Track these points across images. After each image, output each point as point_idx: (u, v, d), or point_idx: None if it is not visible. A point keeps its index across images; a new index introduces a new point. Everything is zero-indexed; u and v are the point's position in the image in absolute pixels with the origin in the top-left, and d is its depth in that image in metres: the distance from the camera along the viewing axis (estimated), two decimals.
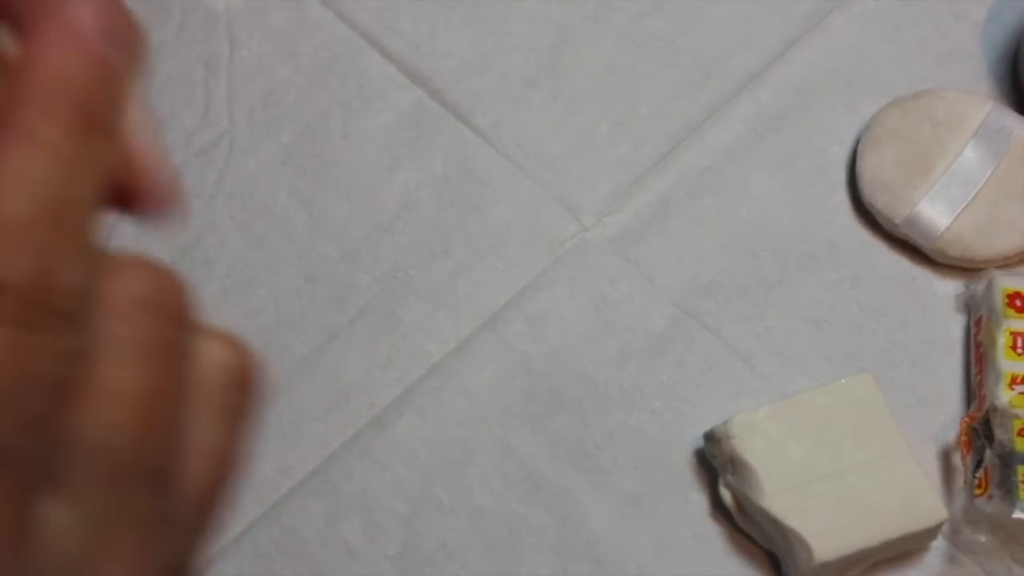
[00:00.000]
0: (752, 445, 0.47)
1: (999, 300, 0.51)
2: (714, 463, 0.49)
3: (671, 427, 0.51)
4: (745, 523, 0.48)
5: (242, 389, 0.23)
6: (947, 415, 0.51)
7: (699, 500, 0.50)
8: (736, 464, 0.47)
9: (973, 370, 0.52)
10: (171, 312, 0.22)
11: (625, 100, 0.59)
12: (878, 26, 0.61)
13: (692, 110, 0.59)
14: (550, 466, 0.50)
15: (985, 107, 0.56)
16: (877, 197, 0.55)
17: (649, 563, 0.48)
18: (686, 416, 0.51)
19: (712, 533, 0.49)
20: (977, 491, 0.47)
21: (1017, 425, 0.47)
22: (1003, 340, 0.50)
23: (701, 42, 0.61)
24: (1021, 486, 0.46)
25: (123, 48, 0.21)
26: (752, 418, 0.47)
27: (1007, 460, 0.47)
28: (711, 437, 0.48)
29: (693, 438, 0.50)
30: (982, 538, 0.47)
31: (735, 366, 0.52)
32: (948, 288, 0.54)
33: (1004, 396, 0.49)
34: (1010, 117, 0.56)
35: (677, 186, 0.57)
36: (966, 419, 0.49)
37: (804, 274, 0.55)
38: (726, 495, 0.48)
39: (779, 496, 0.46)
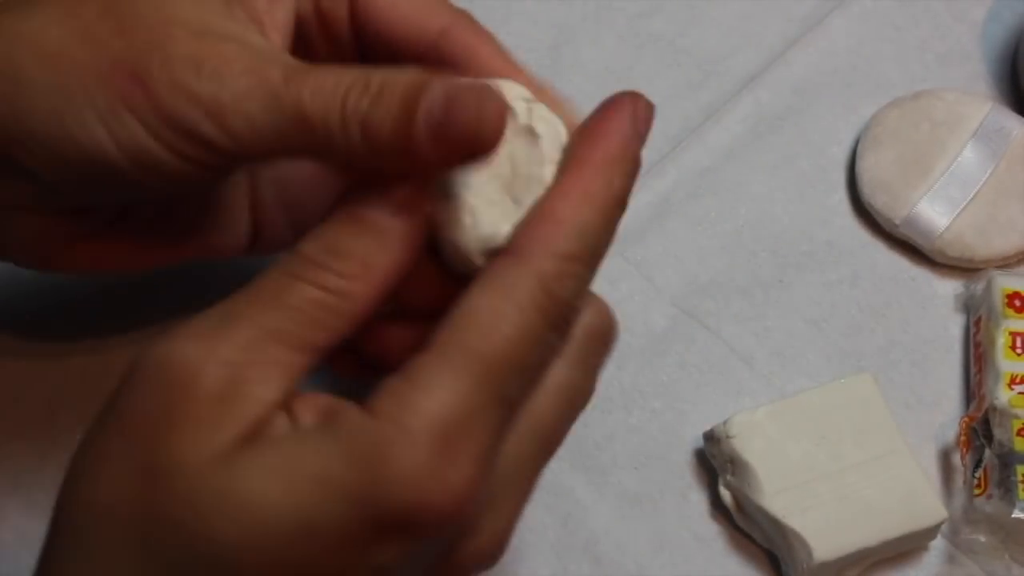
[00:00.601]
0: (752, 445, 0.47)
1: (998, 300, 0.51)
2: (714, 463, 0.49)
3: (671, 427, 0.51)
4: (745, 523, 0.48)
5: (604, 342, 0.33)
6: (946, 415, 0.52)
7: (699, 500, 0.50)
8: (736, 464, 0.47)
9: (972, 370, 0.52)
10: (608, 338, 0.33)
11: None
12: (877, 26, 0.61)
13: (692, 110, 0.59)
14: (550, 466, 0.50)
15: (984, 107, 0.56)
16: (876, 197, 0.55)
17: (649, 563, 0.48)
18: (686, 416, 0.51)
19: (712, 533, 0.49)
20: (976, 491, 0.47)
21: (1016, 425, 0.48)
22: (1002, 340, 0.50)
23: (701, 42, 0.61)
24: (1020, 486, 0.46)
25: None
26: (752, 418, 0.47)
27: (1006, 460, 0.47)
28: (711, 437, 0.48)
29: (693, 438, 0.50)
30: (981, 538, 0.47)
31: (735, 366, 0.52)
32: (947, 288, 0.54)
33: (1003, 396, 0.49)
34: (1009, 117, 0.56)
35: (677, 186, 0.57)
36: (965, 419, 0.49)
37: (803, 274, 0.55)
38: (726, 495, 0.48)
39: (779, 496, 0.46)
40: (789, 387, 0.52)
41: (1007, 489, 0.46)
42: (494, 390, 0.28)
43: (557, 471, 0.50)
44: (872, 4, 0.62)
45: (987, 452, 0.47)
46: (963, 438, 0.49)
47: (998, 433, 0.48)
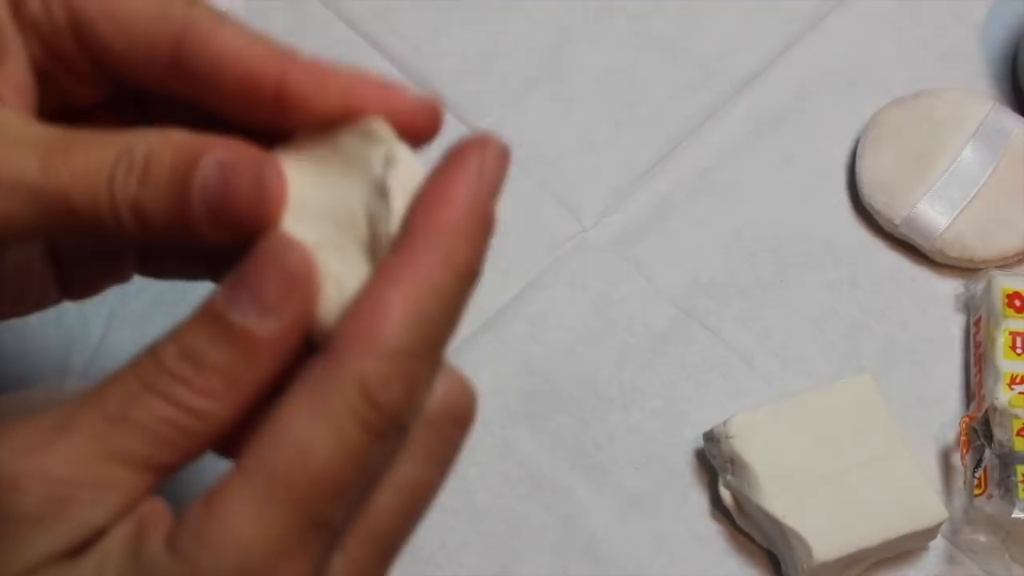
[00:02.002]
0: (752, 445, 0.47)
1: (998, 300, 0.51)
2: (714, 463, 0.49)
3: (671, 427, 0.51)
4: (745, 523, 0.48)
5: (458, 427, 0.29)
6: (947, 415, 0.52)
7: (699, 500, 0.50)
8: (736, 464, 0.47)
9: (972, 370, 0.52)
10: (465, 421, 0.29)
11: (625, 100, 0.59)
12: (878, 26, 0.61)
13: (692, 110, 0.59)
14: (550, 466, 0.50)
15: (984, 107, 0.56)
16: (876, 197, 0.55)
17: (649, 563, 0.48)
18: (686, 416, 0.51)
19: (712, 533, 0.49)
20: (976, 491, 0.47)
21: (1016, 425, 0.48)
22: (1002, 340, 0.50)
23: (701, 42, 0.61)
24: (1021, 486, 0.46)
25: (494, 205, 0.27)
26: (752, 418, 0.47)
27: (1006, 460, 0.47)
28: (711, 437, 0.48)
29: (693, 438, 0.50)
30: (981, 538, 0.47)
31: (735, 366, 0.52)
32: (947, 288, 0.54)
33: (1003, 396, 0.49)
34: (1009, 117, 0.56)
35: (677, 186, 0.57)
36: (965, 419, 0.49)
37: (803, 274, 0.55)
38: (726, 495, 0.48)
39: (779, 496, 0.46)
40: (789, 387, 0.52)
41: (1007, 489, 0.46)
42: (307, 518, 0.24)
43: (557, 471, 0.50)
44: (872, 4, 0.62)
45: (987, 452, 0.47)
46: (963, 438, 0.49)
47: (998, 433, 0.48)
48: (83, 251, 0.34)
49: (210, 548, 0.24)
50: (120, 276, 0.35)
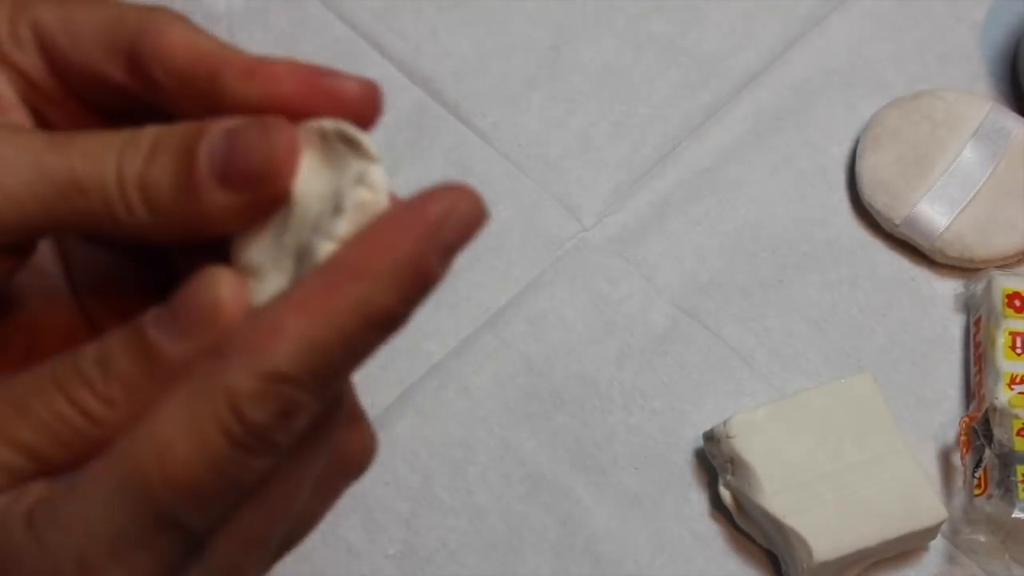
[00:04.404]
0: (752, 445, 0.47)
1: (998, 300, 0.51)
2: (714, 463, 0.49)
3: (671, 427, 0.51)
4: (745, 523, 0.48)
5: (346, 475, 0.29)
6: (946, 415, 0.52)
7: (699, 500, 0.50)
8: (736, 464, 0.47)
9: (972, 370, 0.52)
10: (354, 476, 0.29)
11: (625, 100, 0.59)
12: (877, 26, 0.61)
13: (692, 110, 0.59)
14: (550, 466, 0.50)
15: (984, 107, 0.56)
16: (876, 197, 0.55)
17: (649, 563, 0.48)
18: (686, 416, 0.51)
19: (712, 533, 0.49)
20: (976, 491, 0.47)
21: (1016, 425, 0.48)
22: (1002, 340, 0.50)
23: (701, 42, 0.61)
24: (1020, 486, 0.46)
25: (449, 259, 0.25)
26: (751, 418, 0.47)
27: (1006, 460, 0.47)
28: (711, 437, 0.48)
29: (693, 438, 0.50)
30: (981, 538, 0.47)
31: (735, 366, 0.52)
32: (947, 288, 0.54)
33: (1003, 396, 0.49)
34: (1009, 117, 0.56)
35: (677, 186, 0.57)
36: (965, 419, 0.49)
37: (803, 274, 0.55)
38: (726, 495, 0.48)
39: (779, 496, 0.46)
40: (789, 387, 0.52)
41: (1007, 489, 0.46)
42: (157, 515, 0.24)
43: (557, 471, 0.50)
44: (872, 4, 0.62)
45: (987, 452, 0.47)
46: (963, 438, 0.49)
47: (998, 433, 0.48)
48: (99, 295, 0.33)
49: (59, 526, 0.24)
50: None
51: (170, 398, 0.25)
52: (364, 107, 0.28)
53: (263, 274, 0.27)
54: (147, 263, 0.32)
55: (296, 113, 0.27)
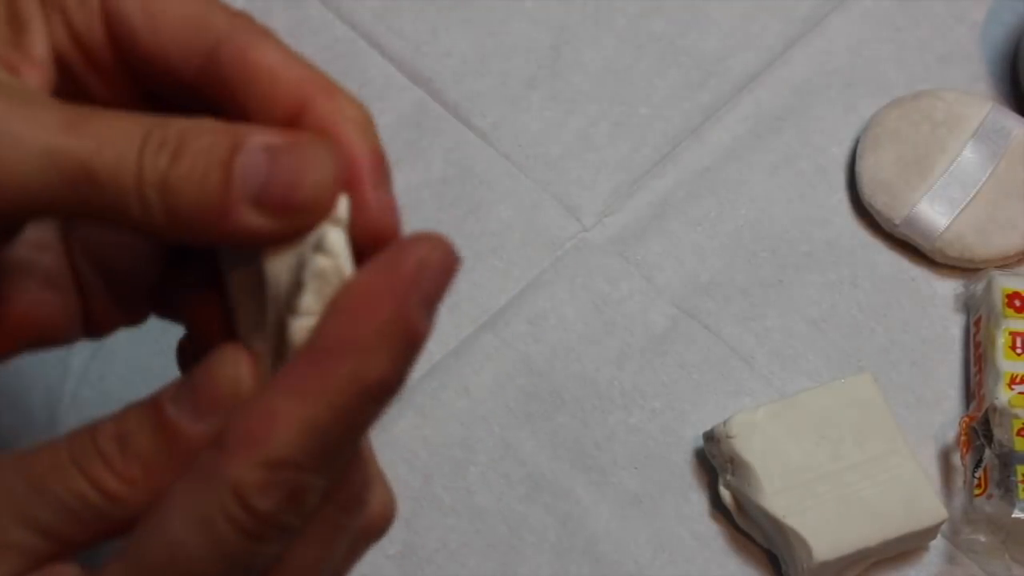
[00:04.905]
0: (751, 445, 0.47)
1: (998, 300, 0.51)
2: (714, 463, 0.49)
3: (671, 427, 0.51)
4: (745, 523, 0.48)
5: (368, 538, 0.28)
6: (946, 415, 0.52)
7: (699, 500, 0.50)
8: (736, 464, 0.47)
9: (972, 370, 0.52)
10: (382, 531, 0.28)
11: (625, 100, 0.59)
12: (877, 27, 0.61)
13: (692, 110, 0.59)
14: (550, 466, 0.50)
15: (984, 108, 0.56)
16: (876, 197, 0.55)
17: (649, 563, 0.48)
18: (686, 416, 0.51)
19: (712, 533, 0.49)
20: (976, 491, 0.47)
21: (1016, 425, 0.48)
22: (1002, 340, 0.50)
23: (701, 42, 0.61)
24: (1020, 486, 0.46)
25: (431, 313, 0.25)
26: (751, 418, 0.47)
27: (1006, 460, 0.47)
28: (711, 437, 0.48)
29: (693, 438, 0.50)
30: (981, 538, 0.47)
31: (735, 366, 0.52)
32: (947, 288, 0.54)
33: (1003, 396, 0.49)
34: (1009, 117, 0.56)
35: (677, 186, 0.57)
36: (965, 419, 0.49)
37: (803, 274, 0.55)
38: (726, 495, 0.48)
39: (779, 496, 0.46)
40: (789, 387, 0.52)
41: (1007, 489, 0.46)
42: None
43: (557, 471, 0.50)
44: (872, 4, 0.62)
45: (987, 452, 0.47)
46: (963, 438, 0.49)
47: (998, 433, 0.48)
48: (100, 278, 0.32)
49: None
50: (135, 315, 0.33)
51: (179, 492, 0.24)
52: (383, 230, 0.26)
53: (261, 354, 0.26)
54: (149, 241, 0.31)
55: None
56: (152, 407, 0.25)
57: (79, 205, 0.24)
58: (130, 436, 0.25)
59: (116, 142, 0.24)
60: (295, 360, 0.24)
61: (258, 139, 0.24)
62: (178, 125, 0.24)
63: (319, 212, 0.25)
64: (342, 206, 0.25)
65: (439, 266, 0.24)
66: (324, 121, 0.26)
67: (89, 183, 0.24)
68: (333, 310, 0.24)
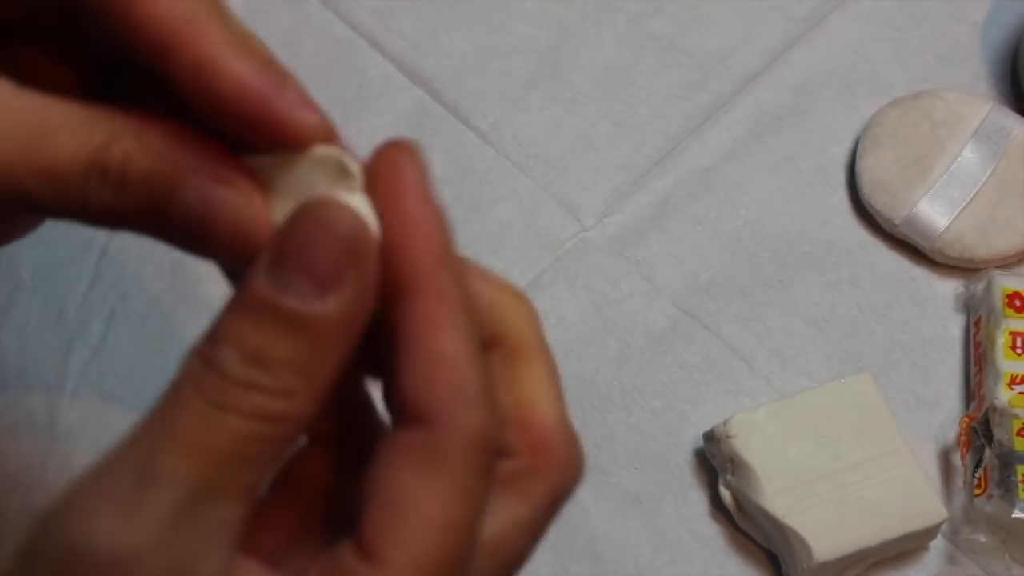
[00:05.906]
0: (751, 445, 0.47)
1: (998, 300, 0.51)
2: (714, 463, 0.49)
3: (671, 427, 0.51)
4: (745, 523, 0.48)
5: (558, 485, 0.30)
6: (946, 415, 0.52)
7: (699, 500, 0.50)
8: (736, 464, 0.47)
9: (972, 370, 0.52)
10: (568, 481, 0.30)
11: (625, 100, 0.59)
12: (877, 26, 0.61)
13: (692, 110, 0.59)
14: None
15: (984, 108, 0.56)
16: (876, 197, 0.55)
17: (649, 562, 0.48)
18: (686, 416, 0.51)
19: (712, 533, 0.49)
20: (977, 491, 0.47)
21: (1016, 425, 0.48)
22: (1002, 340, 0.50)
23: (701, 42, 0.61)
24: (1021, 486, 0.46)
25: None
26: (751, 418, 0.47)
27: (1006, 460, 0.47)
28: (711, 437, 0.48)
29: (693, 438, 0.50)
30: (981, 538, 0.47)
31: (735, 366, 0.52)
32: (947, 288, 0.54)
33: (1003, 396, 0.49)
34: (1009, 117, 0.56)
35: (677, 186, 0.57)
36: (965, 419, 0.49)
37: (803, 274, 0.55)
38: (726, 495, 0.48)
39: (779, 496, 0.46)
40: (789, 387, 0.52)
41: (1007, 489, 0.46)
42: None
43: None
44: (872, 4, 0.62)
45: (987, 452, 0.47)
46: (963, 438, 0.49)
47: (998, 433, 0.48)
48: None
49: None
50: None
51: (404, 480, 0.23)
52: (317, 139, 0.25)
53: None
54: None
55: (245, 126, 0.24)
56: (264, 308, 0.23)
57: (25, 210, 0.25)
58: (263, 350, 0.22)
59: (60, 175, 0.24)
60: (408, 302, 0.25)
61: (195, 181, 0.24)
62: (120, 151, 0.24)
63: (246, 252, 0.24)
64: (354, 168, 0.25)
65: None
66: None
67: (37, 203, 0.25)
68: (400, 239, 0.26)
